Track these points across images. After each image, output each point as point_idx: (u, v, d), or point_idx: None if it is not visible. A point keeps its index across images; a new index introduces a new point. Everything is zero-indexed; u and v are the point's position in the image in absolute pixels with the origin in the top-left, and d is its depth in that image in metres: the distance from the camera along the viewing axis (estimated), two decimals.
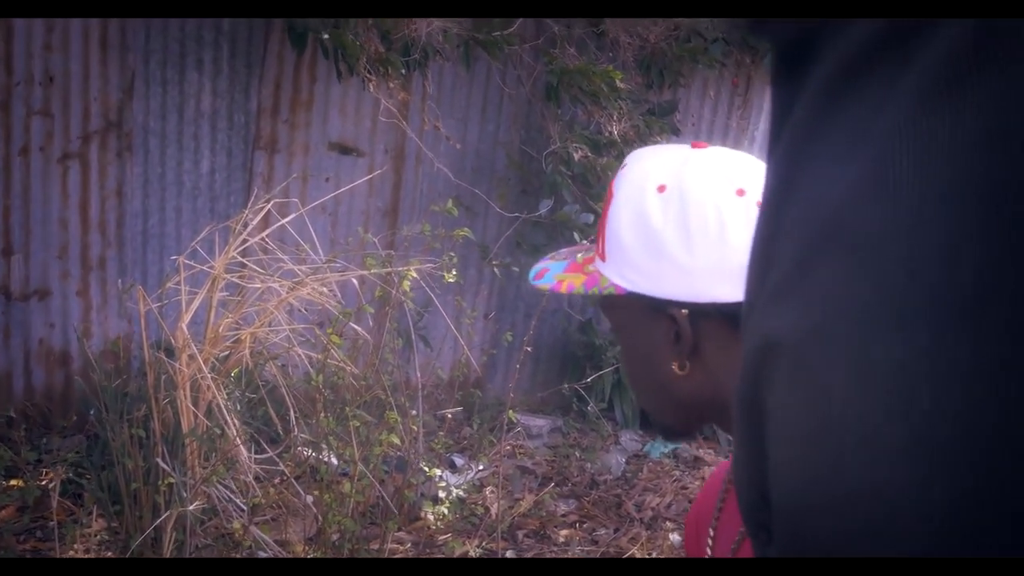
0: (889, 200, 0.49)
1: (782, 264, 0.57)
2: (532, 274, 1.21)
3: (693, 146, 1.13)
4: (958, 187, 0.46)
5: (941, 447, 0.46)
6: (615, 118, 4.95)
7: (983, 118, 0.46)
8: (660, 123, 5.17)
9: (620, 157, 4.93)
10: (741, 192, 1.08)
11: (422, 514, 4.00)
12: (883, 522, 0.50)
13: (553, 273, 1.19)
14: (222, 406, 3.37)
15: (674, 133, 5.32)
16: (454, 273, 3.74)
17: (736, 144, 5.68)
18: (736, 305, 1.06)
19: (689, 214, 1.06)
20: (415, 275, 3.62)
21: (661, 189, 1.08)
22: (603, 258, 1.13)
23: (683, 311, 1.07)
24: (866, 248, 0.49)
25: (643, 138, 5.02)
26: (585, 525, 4.43)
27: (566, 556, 4.09)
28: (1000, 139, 0.45)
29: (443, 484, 4.00)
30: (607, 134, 5.00)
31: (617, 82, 4.81)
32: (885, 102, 0.51)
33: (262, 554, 3.53)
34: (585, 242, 1.23)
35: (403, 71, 4.48)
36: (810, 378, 0.52)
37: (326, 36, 4.23)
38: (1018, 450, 0.43)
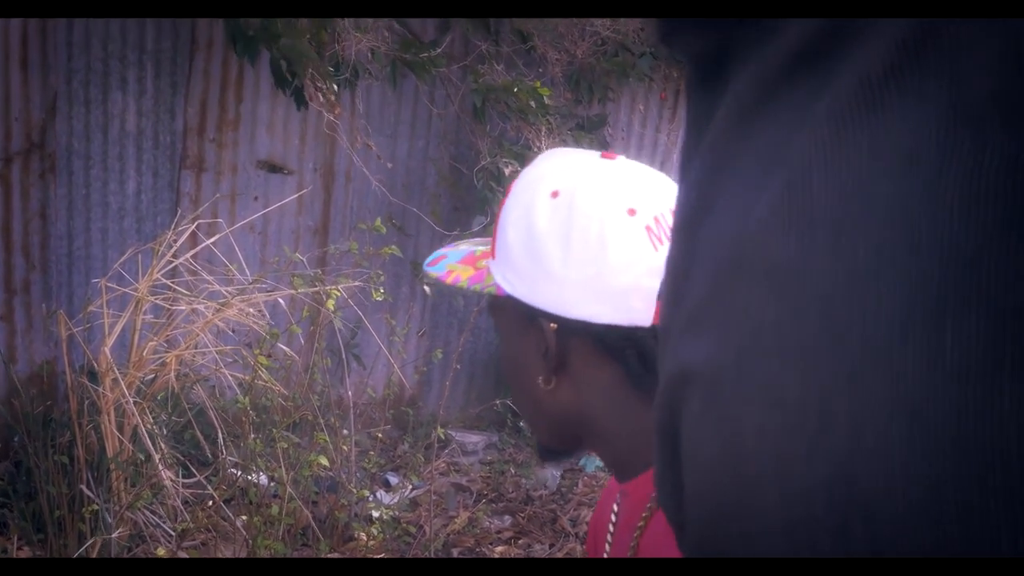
0: (803, 229, 0.48)
1: (695, 290, 0.56)
2: (429, 259, 1.17)
3: (603, 156, 1.11)
4: (872, 218, 0.46)
5: (857, 490, 0.45)
6: (543, 133, 4.96)
7: (898, 143, 0.46)
8: (589, 137, 5.19)
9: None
10: (632, 212, 1.05)
11: (355, 535, 3.97)
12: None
13: (447, 262, 1.15)
14: (146, 431, 3.33)
15: (603, 148, 5.35)
16: (381, 291, 3.73)
17: (666, 157, 5.73)
18: (606, 328, 1.04)
19: (573, 224, 1.04)
20: (340, 293, 3.60)
21: (554, 195, 1.06)
22: (493, 255, 1.11)
23: (551, 324, 1.04)
24: (780, 279, 0.49)
25: None
26: (520, 541, 4.43)
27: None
28: (914, 166, 0.45)
29: (372, 504, 3.97)
30: (536, 149, 5.01)
31: (545, 98, 4.82)
32: (799, 124, 0.50)
33: None
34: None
35: (335, 87, 4.46)
36: (724, 411, 0.52)
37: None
38: (935, 491, 0.43)
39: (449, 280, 1.12)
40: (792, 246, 0.48)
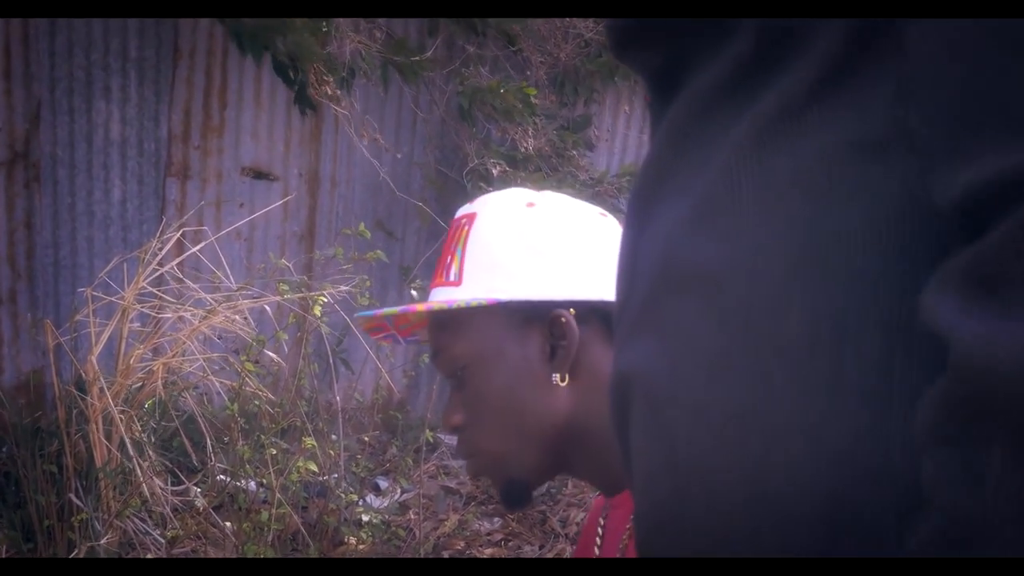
0: (725, 240, 0.50)
1: (636, 298, 0.58)
2: (361, 313, 1.17)
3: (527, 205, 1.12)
4: (785, 237, 0.47)
5: (772, 500, 0.47)
6: (530, 134, 4.98)
7: (812, 167, 0.47)
8: (575, 137, 5.21)
9: (538, 171, 4.97)
10: (604, 215, 1.11)
11: (345, 539, 3.98)
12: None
13: (394, 308, 1.14)
14: (132, 439, 3.33)
15: (589, 148, 5.36)
16: (368, 296, 3.73)
17: None
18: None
19: (569, 217, 1.08)
20: (328, 299, 3.61)
21: (531, 205, 1.09)
22: (459, 280, 1.08)
23: (570, 310, 1.03)
24: (704, 288, 0.50)
25: (559, 152, 5.05)
26: (510, 543, 4.43)
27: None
28: (824, 190, 0.46)
29: (361, 509, 3.97)
30: (523, 150, 5.02)
31: (532, 98, 4.84)
32: (723, 141, 0.52)
33: None
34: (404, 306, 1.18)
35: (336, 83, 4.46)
36: (657, 416, 0.53)
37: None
38: (845, 504, 0.45)
39: (420, 308, 1.09)
40: (714, 257, 0.50)
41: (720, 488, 0.49)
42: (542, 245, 1.05)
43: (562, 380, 1.04)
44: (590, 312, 1.04)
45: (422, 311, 1.09)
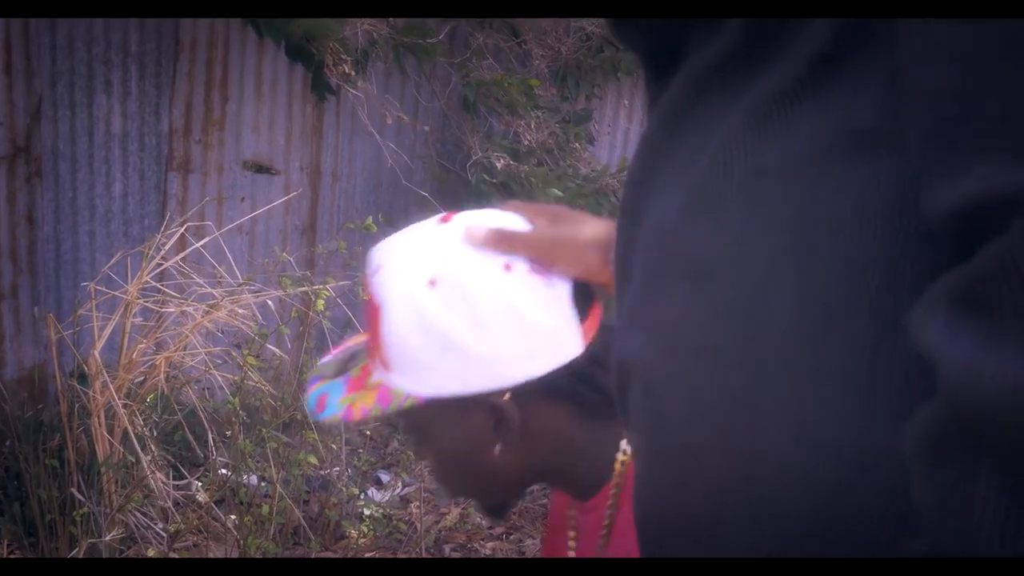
0: (717, 228, 0.50)
1: (634, 284, 0.58)
2: (312, 405, 1.10)
3: (441, 220, 1.08)
4: (778, 221, 0.47)
5: (762, 484, 0.47)
6: (532, 127, 4.98)
7: (801, 158, 0.48)
8: (576, 131, 5.21)
9: (540, 164, 4.97)
10: (508, 267, 1.01)
11: (346, 533, 3.99)
12: (712, 549, 0.51)
13: (336, 397, 1.08)
14: (136, 433, 3.33)
15: (590, 142, 5.36)
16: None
17: None
18: (552, 376, 1.02)
19: (475, 304, 0.99)
20: (330, 293, 3.61)
21: (432, 284, 1.00)
22: (387, 368, 1.04)
23: (505, 397, 1.01)
24: (697, 277, 0.50)
25: (561, 146, 5.05)
26: (512, 536, 4.44)
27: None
28: (815, 182, 0.46)
29: (362, 502, 3.98)
30: (526, 143, 5.03)
31: (535, 90, 4.85)
32: (716, 127, 0.52)
33: None
34: (345, 346, 1.17)
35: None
36: (653, 402, 0.54)
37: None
38: (833, 491, 0.45)
39: (356, 415, 1.05)
40: (705, 244, 0.50)
41: (714, 473, 0.50)
42: (459, 339, 0.99)
43: (504, 451, 1.04)
44: (527, 387, 1.02)
45: (357, 417, 1.05)
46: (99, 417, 3.44)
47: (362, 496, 4.05)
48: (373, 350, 1.06)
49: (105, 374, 3.38)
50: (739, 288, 0.49)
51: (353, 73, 4.26)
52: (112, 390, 3.34)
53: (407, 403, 1.03)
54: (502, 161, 4.96)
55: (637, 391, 0.57)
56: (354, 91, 4.29)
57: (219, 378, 3.63)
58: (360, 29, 4.42)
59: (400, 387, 1.03)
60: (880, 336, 0.44)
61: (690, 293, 0.52)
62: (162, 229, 3.82)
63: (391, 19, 4.54)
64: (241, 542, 3.54)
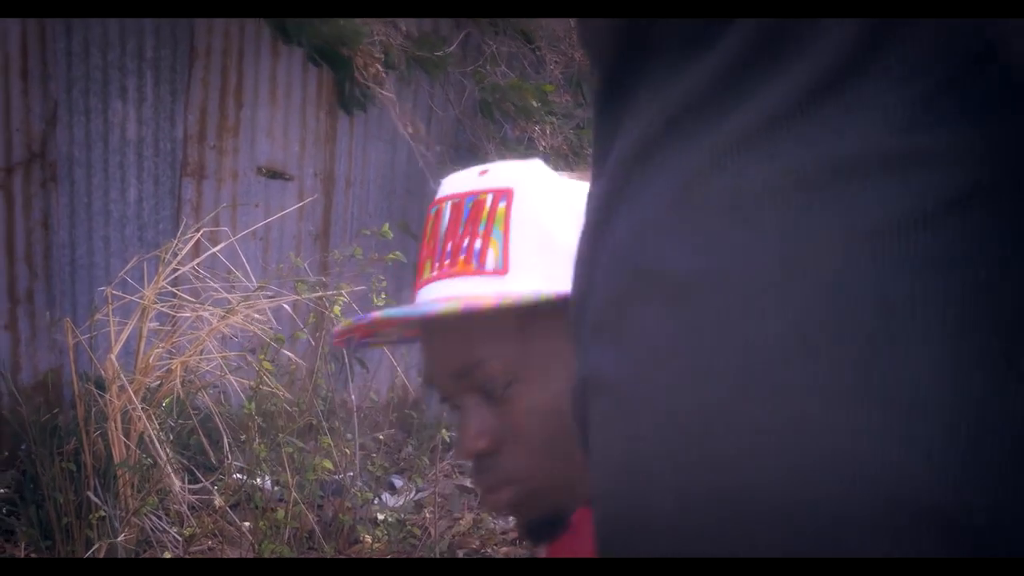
0: (699, 247, 0.50)
1: (599, 297, 0.58)
2: (392, 314, 0.96)
3: (480, 174, 0.98)
4: (763, 241, 0.48)
5: (742, 504, 0.47)
6: (547, 133, 5.00)
7: (787, 178, 0.48)
8: (591, 136, 5.22)
9: (556, 171, 4.98)
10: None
11: (360, 538, 3.99)
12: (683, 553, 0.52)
13: (424, 304, 0.94)
14: (153, 436, 3.34)
15: None
16: (384, 296, 3.75)
17: None
18: None
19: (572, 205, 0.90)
20: (346, 298, 3.62)
21: (566, 174, 0.99)
22: (503, 271, 0.90)
23: None
24: (676, 294, 0.51)
25: (576, 151, 5.07)
26: (525, 542, 4.44)
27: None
28: (802, 203, 0.47)
29: (376, 507, 3.99)
30: (540, 148, 5.04)
31: (549, 96, 4.87)
32: (695, 146, 0.52)
33: None
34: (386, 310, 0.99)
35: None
36: (625, 419, 0.54)
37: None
38: (813, 507, 0.45)
39: (457, 307, 0.87)
40: (684, 255, 0.50)
41: (689, 485, 0.50)
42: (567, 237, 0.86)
43: None
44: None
45: (458, 309, 0.87)
46: (115, 421, 3.45)
47: (376, 501, 4.06)
48: (456, 259, 0.92)
49: (123, 378, 3.40)
50: (723, 305, 0.49)
51: (385, 74, 4.28)
52: (129, 394, 3.36)
53: (543, 297, 0.86)
54: None
55: (603, 405, 0.57)
56: (384, 92, 4.31)
57: (234, 383, 3.64)
58: (375, 39, 4.45)
59: (545, 289, 0.86)
60: (864, 348, 0.45)
61: (665, 310, 0.52)
62: (178, 234, 3.83)
63: (404, 30, 4.56)
64: (256, 546, 3.54)
